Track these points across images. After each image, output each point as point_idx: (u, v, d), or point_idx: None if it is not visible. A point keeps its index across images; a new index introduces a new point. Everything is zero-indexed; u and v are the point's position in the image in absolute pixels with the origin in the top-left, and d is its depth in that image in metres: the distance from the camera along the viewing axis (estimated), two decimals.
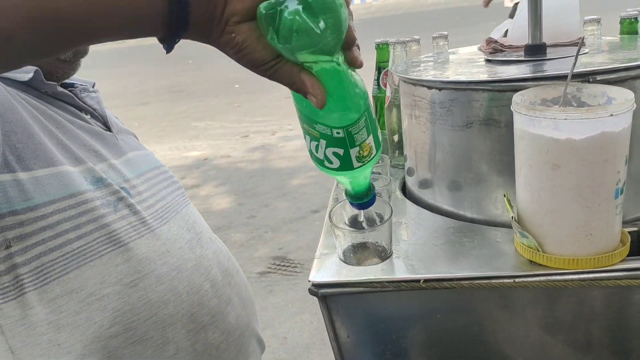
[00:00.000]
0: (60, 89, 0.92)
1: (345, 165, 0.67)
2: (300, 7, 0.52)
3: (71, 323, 0.79)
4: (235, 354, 0.98)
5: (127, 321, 0.83)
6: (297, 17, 0.52)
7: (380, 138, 0.70)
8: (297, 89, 0.59)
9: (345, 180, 0.74)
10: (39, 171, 0.79)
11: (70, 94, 0.94)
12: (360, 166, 0.67)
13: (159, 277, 0.88)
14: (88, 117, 0.96)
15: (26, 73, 0.86)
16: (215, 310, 0.94)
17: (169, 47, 0.57)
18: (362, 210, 0.84)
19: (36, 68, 0.87)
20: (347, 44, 0.59)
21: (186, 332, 0.89)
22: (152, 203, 0.94)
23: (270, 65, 0.57)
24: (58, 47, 0.56)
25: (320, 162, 0.68)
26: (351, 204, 0.80)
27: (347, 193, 0.78)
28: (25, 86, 0.88)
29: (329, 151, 0.65)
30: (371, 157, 0.68)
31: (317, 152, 0.67)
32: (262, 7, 0.53)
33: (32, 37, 0.51)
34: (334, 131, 0.63)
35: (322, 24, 0.53)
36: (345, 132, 0.63)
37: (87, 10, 0.51)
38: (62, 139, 0.86)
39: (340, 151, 0.65)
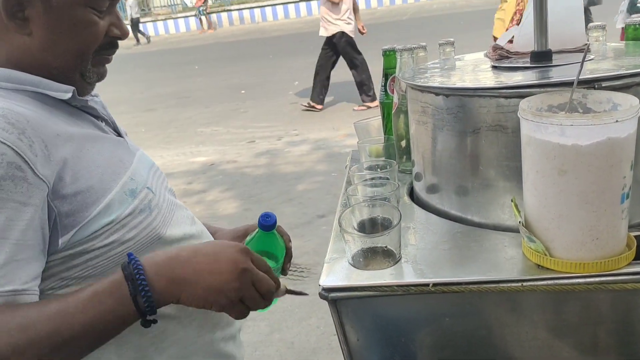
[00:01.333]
0: (87, 103, 0.99)
1: None
2: None
3: None
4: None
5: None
6: None
7: None
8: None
9: None
10: (96, 209, 0.89)
11: (94, 107, 1.01)
12: None
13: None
14: (104, 124, 1.02)
15: (65, 92, 0.93)
16: None
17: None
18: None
19: (73, 88, 0.93)
20: None
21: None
22: (162, 199, 1.03)
23: None
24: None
25: None
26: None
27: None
28: (58, 102, 0.94)
29: None
30: None
31: None
32: None
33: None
34: None
35: None
36: None
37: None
38: (106, 162, 0.94)
39: None
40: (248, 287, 0.86)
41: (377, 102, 5.90)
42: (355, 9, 7.01)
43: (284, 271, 1.17)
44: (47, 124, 0.86)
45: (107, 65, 1.01)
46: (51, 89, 0.92)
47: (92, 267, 0.89)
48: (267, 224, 1.03)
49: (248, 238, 1.07)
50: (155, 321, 0.82)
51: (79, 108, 0.97)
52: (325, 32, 6.90)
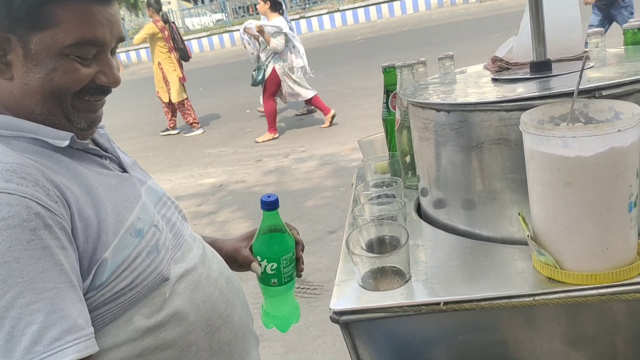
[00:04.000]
0: (91, 145, 1.00)
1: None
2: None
3: (110, 335, 0.91)
4: (242, 349, 1.10)
5: (156, 333, 0.95)
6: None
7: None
8: None
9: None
10: (105, 254, 0.89)
11: (97, 147, 1.01)
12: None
13: (179, 293, 0.99)
14: (107, 162, 1.02)
15: (63, 140, 0.93)
16: (224, 313, 1.06)
17: None
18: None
19: (72, 134, 0.94)
20: None
21: (204, 334, 1.01)
22: (168, 230, 1.04)
23: None
24: None
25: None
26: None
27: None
28: (59, 147, 0.94)
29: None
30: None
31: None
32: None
33: None
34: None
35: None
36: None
37: None
38: (113, 203, 0.94)
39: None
40: None
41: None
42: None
43: (298, 267, 1.18)
44: (51, 172, 0.87)
45: (104, 102, 0.99)
46: (49, 136, 0.92)
47: (102, 316, 0.90)
48: (268, 200, 1.10)
49: (255, 236, 1.14)
50: None
51: (82, 150, 0.98)
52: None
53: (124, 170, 1.04)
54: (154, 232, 0.97)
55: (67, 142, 0.92)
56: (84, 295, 0.86)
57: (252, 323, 1.19)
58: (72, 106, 0.93)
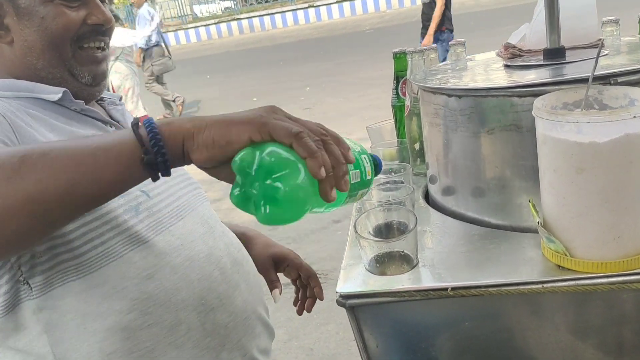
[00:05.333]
0: (86, 106, 1.00)
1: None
2: (265, 200, 0.65)
3: (94, 311, 0.89)
4: (242, 334, 1.06)
5: (144, 307, 0.92)
6: (268, 211, 0.65)
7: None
8: None
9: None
10: None
11: (96, 110, 1.02)
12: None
13: (173, 267, 0.96)
14: (112, 129, 1.03)
15: (55, 94, 0.95)
16: (223, 294, 1.03)
17: (155, 178, 0.70)
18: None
19: (65, 89, 0.95)
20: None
21: (197, 313, 0.98)
22: (169, 202, 1.02)
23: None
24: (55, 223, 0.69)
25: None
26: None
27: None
28: (56, 106, 0.96)
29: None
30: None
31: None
32: (233, 196, 0.67)
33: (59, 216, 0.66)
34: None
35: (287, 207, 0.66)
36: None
37: (94, 185, 0.66)
38: None
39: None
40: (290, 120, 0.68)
41: None
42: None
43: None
44: (25, 114, 0.89)
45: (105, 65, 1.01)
46: (43, 92, 0.94)
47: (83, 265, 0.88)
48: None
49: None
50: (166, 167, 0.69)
51: (80, 112, 0.98)
52: None
53: None
54: (137, 197, 0.95)
55: (58, 96, 0.94)
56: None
57: (264, 311, 1.15)
58: (74, 58, 0.96)
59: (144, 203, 0.96)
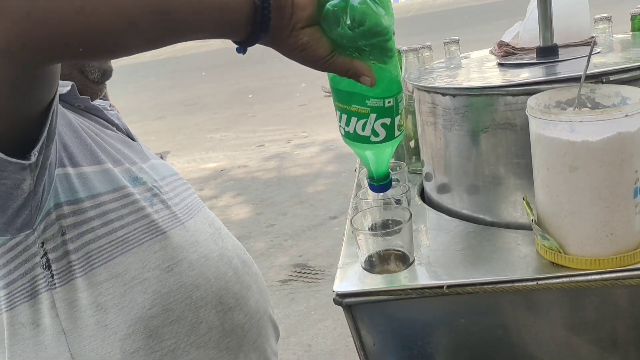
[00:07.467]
0: (91, 102, 1.00)
1: (390, 134, 0.75)
2: None
3: (116, 305, 0.88)
4: (257, 335, 1.07)
5: (165, 302, 0.92)
6: (366, 5, 0.63)
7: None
8: (352, 74, 0.68)
9: (373, 160, 0.82)
10: (87, 168, 0.89)
11: (100, 107, 1.02)
12: (399, 135, 0.77)
13: (190, 263, 0.96)
14: (114, 129, 1.03)
15: (64, 87, 0.93)
16: (238, 294, 1.03)
17: (244, 50, 0.68)
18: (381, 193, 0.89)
19: (72, 83, 0.94)
20: None
21: (216, 312, 0.98)
22: (177, 202, 1.02)
23: (327, 59, 0.67)
24: (164, 38, 0.62)
25: (364, 139, 0.76)
26: (371, 187, 0.85)
27: (370, 176, 0.85)
28: (65, 105, 0.95)
29: (378, 123, 0.74)
30: (402, 127, 0.78)
31: (363, 130, 0.75)
32: (330, 5, 0.64)
33: (149, 27, 0.59)
34: (386, 101, 0.73)
35: (381, 9, 0.64)
36: (394, 100, 0.73)
37: (193, 9, 0.60)
38: (101, 143, 0.94)
39: (388, 120, 0.74)
40: None
41: None
42: None
43: None
44: None
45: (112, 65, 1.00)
46: None
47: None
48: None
49: None
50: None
51: (84, 110, 0.98)
52: None
53: (133, 140, 1.04)
54: (151, 189, 0.95)
55: (67, 89, 0.93)
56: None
57: (272, 311, 1.16)
58: None
59: (157, 196, 0.96)
